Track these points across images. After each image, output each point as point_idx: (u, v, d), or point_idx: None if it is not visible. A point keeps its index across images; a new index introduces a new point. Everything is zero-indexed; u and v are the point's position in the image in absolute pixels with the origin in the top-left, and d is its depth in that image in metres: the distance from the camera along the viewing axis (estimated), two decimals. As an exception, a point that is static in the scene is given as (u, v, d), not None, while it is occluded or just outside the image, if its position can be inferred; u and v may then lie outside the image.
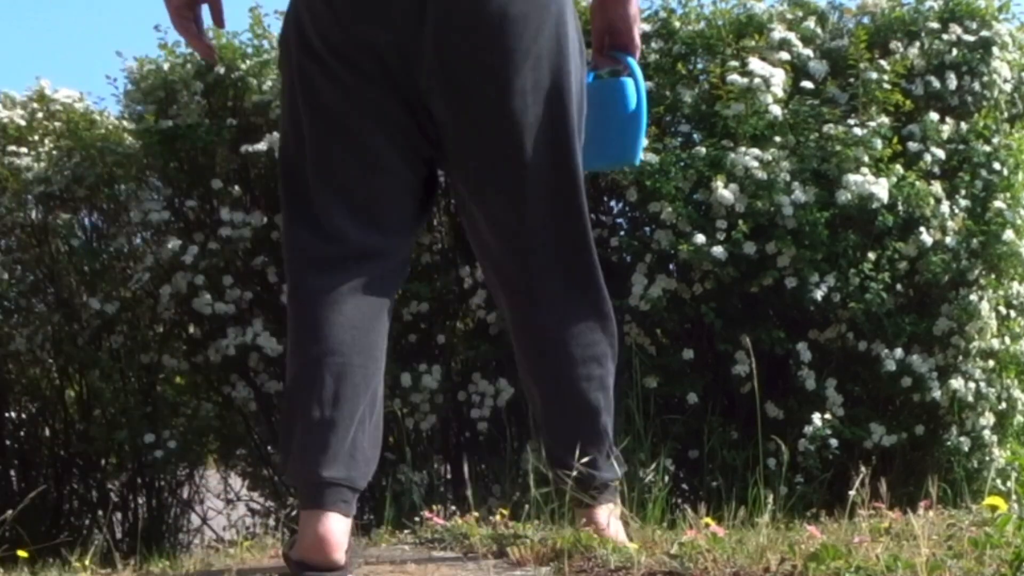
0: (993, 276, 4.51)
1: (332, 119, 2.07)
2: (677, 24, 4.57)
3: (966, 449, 4.45)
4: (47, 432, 5.47)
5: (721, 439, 4.27)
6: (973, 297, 4.40)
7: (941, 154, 4.42)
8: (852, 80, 4.42)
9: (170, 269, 4.74)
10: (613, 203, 4.65)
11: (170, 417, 5.10)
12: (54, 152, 5.12)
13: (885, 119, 4.36)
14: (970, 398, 4.42)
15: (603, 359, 2.19)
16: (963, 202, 4.45)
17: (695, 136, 4.47)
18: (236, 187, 4.76)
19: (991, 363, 4.54)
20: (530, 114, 2.06)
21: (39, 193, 5.07)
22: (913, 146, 4.40)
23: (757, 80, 4.25)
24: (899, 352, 4.30)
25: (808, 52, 4.46)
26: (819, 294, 4.23)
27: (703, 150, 4.29)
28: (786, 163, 4.24)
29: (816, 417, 4.19)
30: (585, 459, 2.15)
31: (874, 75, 4.37)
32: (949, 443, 4.45)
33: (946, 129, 4.46)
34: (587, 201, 2.17)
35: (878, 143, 4.28)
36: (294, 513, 5.00)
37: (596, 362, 2.19)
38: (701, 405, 4.33)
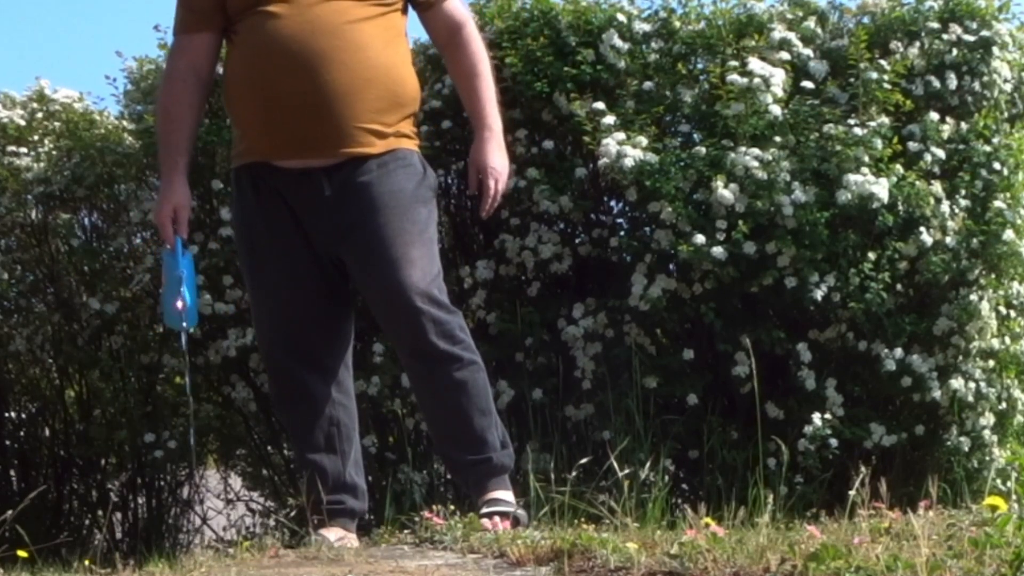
0: (993, 276, 4.51)
1: None
2: (677, 24, 4.56)
3: (966, 449, 4.44)
4: (47, 432, 5.46)
5: (721, 439, 4.27)
6: (973, 297, 4.40)
7: (941, 154, 4.41)
8: (852, 80, 4.41)
9: (170, 269, 4.73)
10: (613, 203, 4.65)
11: (170, 417, 5.10)
12: (54, 152, 5.11)
13: (885, 119, 4.35)
14: (970, 398, 4.42)
15: None
16: (963, 202, 4.44)
17: (695, 136, 4.46)
18: (236, 187, 4.75)
19: (991, 363, 4.54)
20: None
21: (39, 193, 5.07)
22: (913, 146, 4.40)
23: (757, 80, 4.24)
24: (899, 352, 4.30)
25: (808, 52, 4.45)
26: (819, 294, 4.23)
27: (703, 150, 4.28)
28: (786, 163, 4.23)
29: (816, 417, 4.19)
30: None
31: (874, 75, 4.37)
32: (949, 443, 4.45)
33: (946, 129, 4.46)
34: None
35: (878, 143, 4.27)
36: (293, 513, 4.98)
37: None
38: (701, 405, 4.32)
